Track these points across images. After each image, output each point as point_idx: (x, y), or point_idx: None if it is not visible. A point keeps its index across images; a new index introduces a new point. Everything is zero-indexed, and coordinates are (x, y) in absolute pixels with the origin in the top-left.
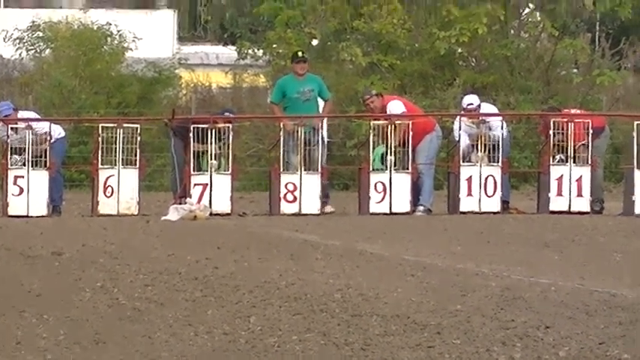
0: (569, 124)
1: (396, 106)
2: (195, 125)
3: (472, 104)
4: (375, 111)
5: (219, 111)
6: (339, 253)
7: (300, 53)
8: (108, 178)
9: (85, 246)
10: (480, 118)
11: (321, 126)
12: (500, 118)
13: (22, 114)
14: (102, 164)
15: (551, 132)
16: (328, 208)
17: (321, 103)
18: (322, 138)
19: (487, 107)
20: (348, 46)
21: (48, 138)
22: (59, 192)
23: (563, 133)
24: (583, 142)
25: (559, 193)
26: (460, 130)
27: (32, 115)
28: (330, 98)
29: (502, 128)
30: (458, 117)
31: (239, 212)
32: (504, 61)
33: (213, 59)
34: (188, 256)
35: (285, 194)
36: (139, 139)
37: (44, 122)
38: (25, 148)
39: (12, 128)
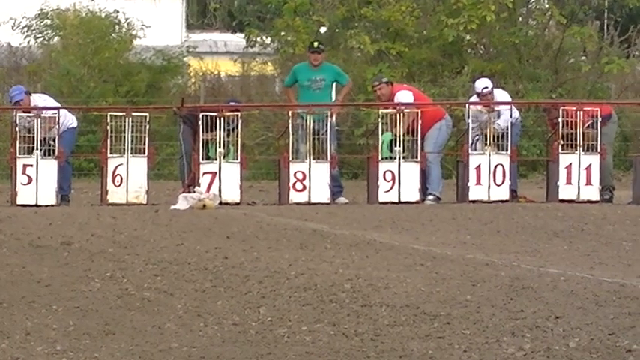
0: (578, 112)
1: (404, 97)
2: (204, 113)
3: (487, 87)
4: (382, 98)
5: (226, 100)
6: (348, 243)
7: (315, 44)
8: (117, 167)
9: (94, 236)
10: (491, 106)
11: (331, 114)
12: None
13: (34, 97)
14: (111, 153)
15: (560, 120)
16: (342, 200)
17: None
18: (332, 126)
19: (499, 93)
20: (357, 34)
21: (56, 125)
22: (68, 181)
23: (569, 122)
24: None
25: (568, 182)
26: (469, 118)
27: (46, 97)
28: (348, 80)
29: (511, 116)
30: (467, 104)
31: (248, 201)
32: (512, 49)
33: (221, 47)
34: (197, 246)
35: (295, 183)
36: (147, 127)
37: (54, 109)
38: (40, 139)
39: (23, 113)
